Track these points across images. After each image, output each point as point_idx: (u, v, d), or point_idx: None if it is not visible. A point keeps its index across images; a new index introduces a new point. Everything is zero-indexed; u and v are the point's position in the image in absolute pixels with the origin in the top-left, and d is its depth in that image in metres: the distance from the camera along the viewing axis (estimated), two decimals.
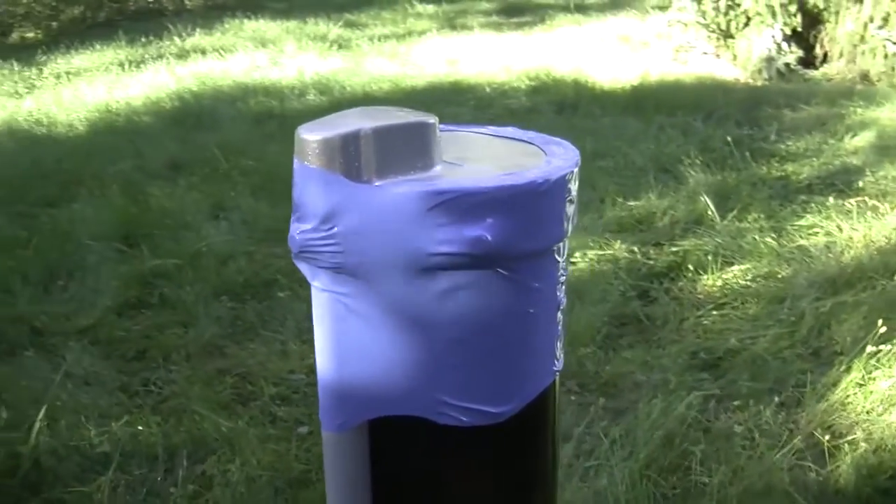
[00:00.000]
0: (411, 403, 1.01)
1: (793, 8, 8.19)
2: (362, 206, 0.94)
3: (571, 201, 1.03)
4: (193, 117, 7.03)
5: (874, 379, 3.15)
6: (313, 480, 2.74)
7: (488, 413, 1.02)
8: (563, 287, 1.08)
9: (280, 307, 3.88)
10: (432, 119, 1.00)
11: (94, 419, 3.06)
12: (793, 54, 8.25)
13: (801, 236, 4.38)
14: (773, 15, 8.19)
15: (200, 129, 6.66)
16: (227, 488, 2.71)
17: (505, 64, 8.66)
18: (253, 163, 5.65)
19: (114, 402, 3.21)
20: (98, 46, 10.22)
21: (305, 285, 1.05)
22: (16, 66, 9.13)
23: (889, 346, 3.22)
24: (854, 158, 5.63)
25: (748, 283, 3.98)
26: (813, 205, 4.76)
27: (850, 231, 4.35)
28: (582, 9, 12.10)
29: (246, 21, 11.54)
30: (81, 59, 9.76)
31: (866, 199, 4.74)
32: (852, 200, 4.72)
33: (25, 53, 9.99)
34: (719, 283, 3.99)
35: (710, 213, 4.64)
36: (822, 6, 8.25)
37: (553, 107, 7.16)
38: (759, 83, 8.09)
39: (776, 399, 3.11)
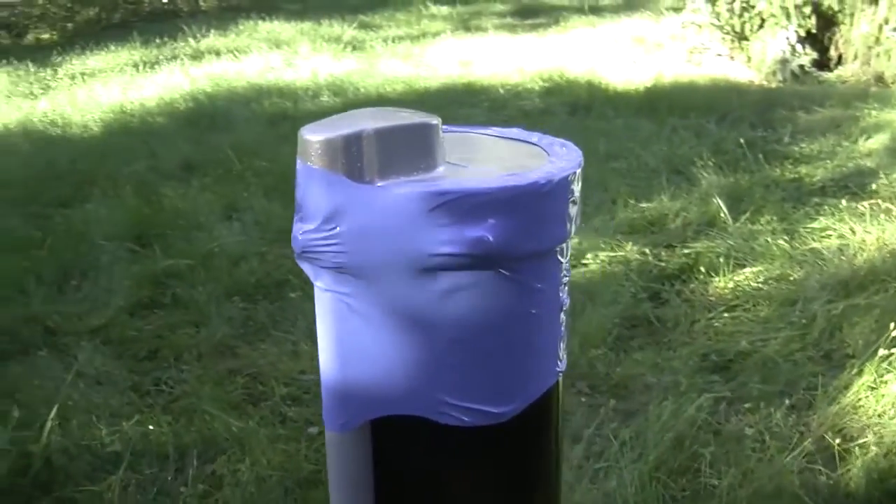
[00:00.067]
0: (413, 403, 1.02)
1: (807, 10, 8.17)
2: (364, 206, 0.95)
3: (574, 202, 1.03)
4: (207, 118, 7.05)
5: (886, 382, 3.14)
6: (323, 481, 2.74)
7: (490, 413, 1.02)
8: (567, 288, 1.08)
9: (291, 308, 3.89)
10: (435, 120, 1.01)
11: (106, 418, 3.08)
12: (807, 56, 8.22)
13: (813, 239, 4.37)
14: (788, 17, 8.17)
15: (214, 131, 6.68)
16: (237, 488, 2.72)
17: (519, 65, 8.66)
18: (266, 164, 5.66)
19: (125, 401, 3.23)
20: (113, 47, 10.25)
21: None
22: (31, 67, 9.18)
23: None
24: (868, 161, 5.61)
25: (760, 285, 3.97)
26: (826, 207, 4.75)
27: (863, 234, 4.34)
28: (596, 10, 12.09)
29: (260, 22, 11.56)
30: (96, 60, 9.80)
31: (880, 201, 4.73)
32: (866, 203, 4.71)
33: (41, 54, 10.04)
34: (731, 285, 3.98)
35: (722, 215, 4.63)
36: (836, 8, 8.23)
37: (566, 108, 7.16)
38: (774, 85, 8.07)
39: (787, 402, 3.10)
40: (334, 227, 0.96)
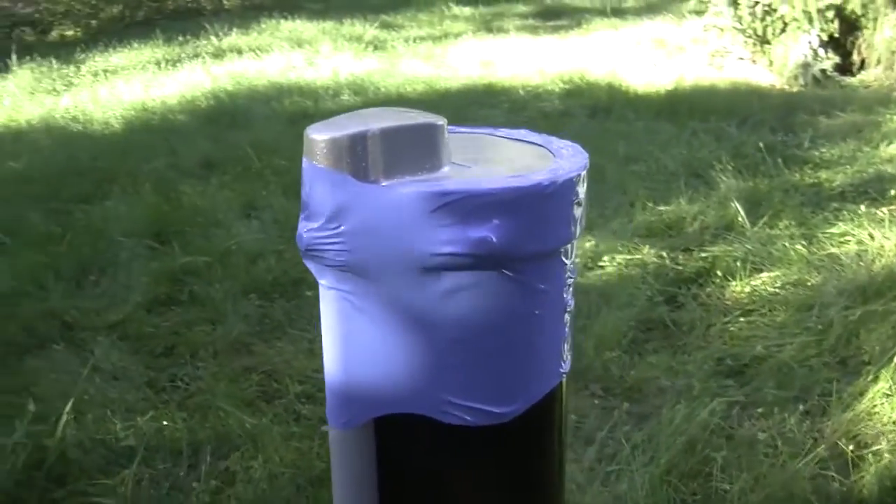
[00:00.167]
0: (416, 402, 1.02)
1: (830, 14, 8.13)
2: (368, 205, 0.95)
3: (579, 204, 1.03)
4: (228, 116, 7.08)
5: None
6: None
7: (492, 413, 1.03)
8: (571, 289, 1.08)
9: (308, 306, 3.90)
10: (441, 121, 1.01)
11: (121, 413, 3.10)
12: (829, 60, 8.18)
13: (831, 244, 4.35)
14: (810, 21, 8.13)
15: (234, 129, 6.71)
16: (250, 485, 2.73)
17: (539, 67, 8.66)
18: (285, 162, 5.67)
19: (140, 396, 3.25)
20: (136, 45, 10.30)
21: None
22: (55, 64, 9.23)
23: None
24: (889, 166, 5.57)
25: (777, 290, 3.96)
26: (845, 212, 4.73)
27: (881, 239, 4.32)
28: (618, 13, 12.07)
29: (282, 21, 11.59)
30: (119, 57, 9.85)
31: None
32: (885, 209, 4.69)
33: (64, 51, 10.10)
34: (748, 289, 3.97)
35: (740, 219, 4.62)
36: (859, 12, 8.18)
37: (586, 110, 7.15)
38: (795, 89, 8.03)
39: (801, 407, 3.09)
40: (339, 226, 0.97)
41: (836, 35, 8.22)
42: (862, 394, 3.14)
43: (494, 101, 7.46)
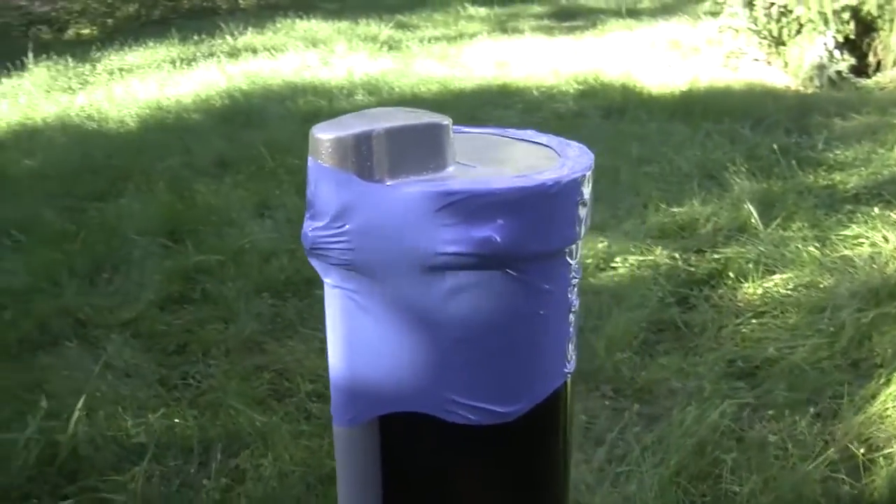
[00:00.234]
0: (420, 400, 1.03)
1: (846, 15, 8.10)
2: (373, 204, 0.96)
3: (584, 204, 1.04)
4: (242, 115, 7.10)
5: None
6: None
7: (496, 412, 1.03)
8: (577, 289, 1.09)
9: (320, 305, 3.87)
10: (445, 120, 1.02)
11: (132, 410, 3.11)
12: (845, 62, 8.15)
13: (845, 246, 4.34)
14: (826, 22, 8.11)
15: (249, 128, 6.73)
16: (260, 482, 2.75)
17: (554, 67, 8.65)
18: (299, 162, 5.68)
19: (152, 394, 3.26)
20: (151, 44, 10.34)
21: None
22: (71, 62, 9.26)
23: None
24: None
25: (789, 292, 3.95)
26: (859, 215, 4.71)
27: (895, 242, 4.30)
28: (634, 14, 12.04)
29: (298, 21, 11.61)
30: (134, 55, 9.88)
31: None
32: None
33: (80, 49, 10.13)
34: (760, 291, 3.96)
35: (753, 220, 4.61)
36: (875, 14, 8.15)
37: (600, 111, 7.14)
38: (810, 91, 8.00)
39: (812, 410, 3.09)
40: (343, 225, 0.98)
41: (852, 36, 8.19)
42: (874, 397, 3.13)
43: (508, 102, 7.46)
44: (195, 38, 10.55)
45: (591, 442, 2.96)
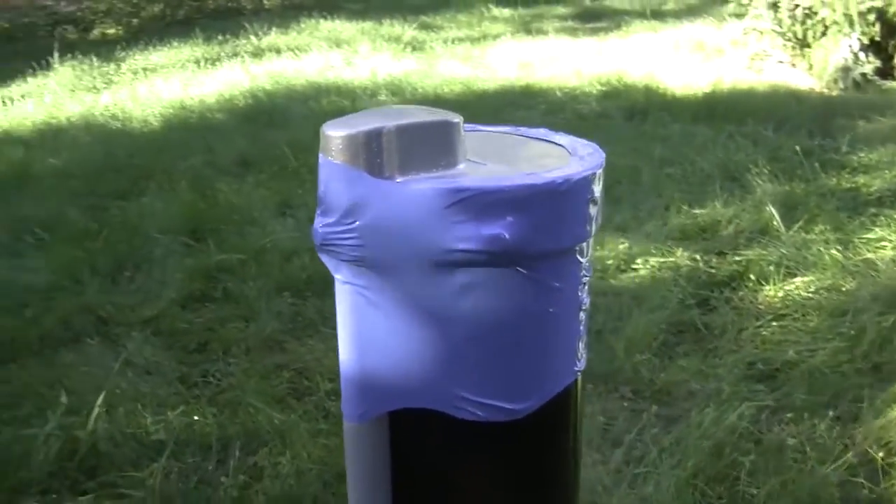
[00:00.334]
0: (429, 397, 1.03)
1: (871, 17, 8.04)
2: (383, 201, 0.96)
3: (595, 202, 1.04)
4: (265, 115, 7.12)
5: None
6: None
7: (505, 409, 1.03)
8: (587, 287, 1.09)
9: None
10: (456, 118, 1.02)
11: (152, 408, 3.13)
12: (870, 64, 8.10)
13: (867, 249, 4.31)
14: (851, 24, 8.05)
15: (271, 127, 6.75)
16: (277, 480, 2.75)
17: (577, 69, 8.63)
18: None
19: (172, 391, 3.28)
20: (175, 44, 10.38)
21: None
22: (96, 62, 9.31)
23: None
24: None
25: (811, 294, 3.93)
26: (882, 217, 4.68)
27: None
28: (658, 15, 12.00)
29: (322, 21, 11.63)
30: (159, 55, 9.93)
31: None
32: None
33: (105, 49, 10.19)
34: (781, 294, 3.94)
35: (775, 223, 4.58)
36: None
37: (623, 113, 7.12)
38: (835, 93, 7.96)
39: (831, 413, 3.07)
40: (354, 221, 0.98)
41: (878, 38, 8.14)
42: (894, 401, 3.11)
43: (531, 103, 7.45)
44: (219, 38, 10.59)
45: (608, 443, 2.96)
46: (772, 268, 4.10)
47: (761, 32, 8.81)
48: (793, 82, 8.27)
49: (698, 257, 4.29)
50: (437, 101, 7.34)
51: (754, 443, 2.91)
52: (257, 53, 9.76)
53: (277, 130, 6.60)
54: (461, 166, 1.02)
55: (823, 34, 8.26)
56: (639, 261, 4.24)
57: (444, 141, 1.00)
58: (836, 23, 8.12)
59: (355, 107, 7.36)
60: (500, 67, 9.00)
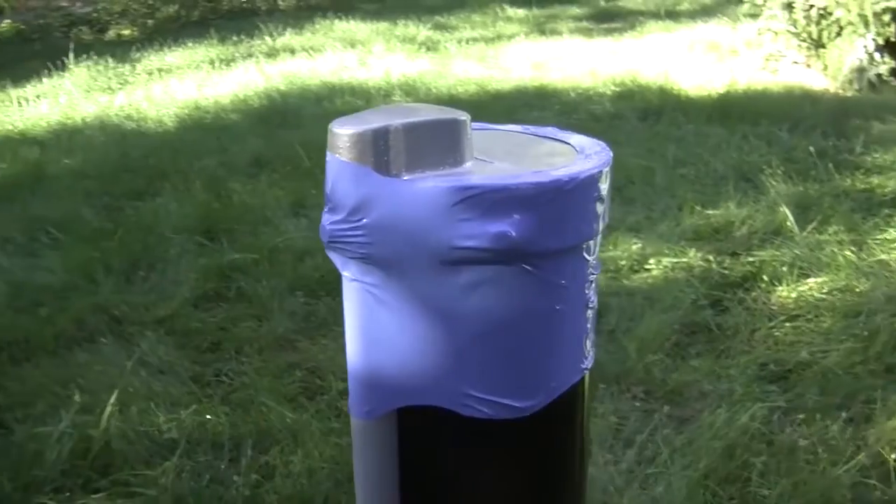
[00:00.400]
0: (436, 394, 1.03)
1: (887, 17, 8.00)
2: (390, 199, 0.97)
3: (601, 200, 1.04)
4: (279, 115, 7.14)
5: None
6: None
7: (512, 407, 1.03)
8: (594, 285, 1.09)
9: None
10: (463, 116, 1.02)
11: (165, 406, 3.14)
12: (885, 65, 8.06)
13: (882, 250, 4.29)
14: (866, 25, 8.02)
15: (286, 128, 6.76)
16: (289, 479, 2.76)
17: (592, 69, 8.63)
18: None
19: (185, 390, 3.29)
20: (190, 44, 10.42)
21: None
22: (111, 63, 9.35)
23: None
24: None
25: (824, 295, 3.91)
26: None
27: None
28: (673, 16, 11.98)
29: (336, 22, 11.65)
30: (174, 56, 9.96)
31: None
32: None
33: (120, 50, 10.23)
34: (794, 294, 3.93)
35: (789, 224, 4.57)
36: None
37: (637, 113, 7.11)
38: (850, 94, 7.93)
39: (844, 414, 3.06)
40: (361, 219, 0.99)
41: (893, 39, 8.09)
42: None
43: (545, 104, 7.45)
44: (234, 38, 10.63)
45: (620, 443, 2.96)
46: (785, 269, 4.09)
47: (776, 33, 8.78)
48: (807, 83, 8.24)
49: (711, 258, 4.29)
50: (451, 101, 7.34)
51: (766, 444, 2.91)
52: (272, 54, 9.79)
53: (291, 131, 6.61)
54: (468, 164, 1.02)
55: (838, 35, 8.23)
56: (652, 261, 4.24)
57: (451, 139, 1.01)
58: (850, 23, 8.09)
59: (369, 107, 7.33)
60: (514, 68, 9.00)
